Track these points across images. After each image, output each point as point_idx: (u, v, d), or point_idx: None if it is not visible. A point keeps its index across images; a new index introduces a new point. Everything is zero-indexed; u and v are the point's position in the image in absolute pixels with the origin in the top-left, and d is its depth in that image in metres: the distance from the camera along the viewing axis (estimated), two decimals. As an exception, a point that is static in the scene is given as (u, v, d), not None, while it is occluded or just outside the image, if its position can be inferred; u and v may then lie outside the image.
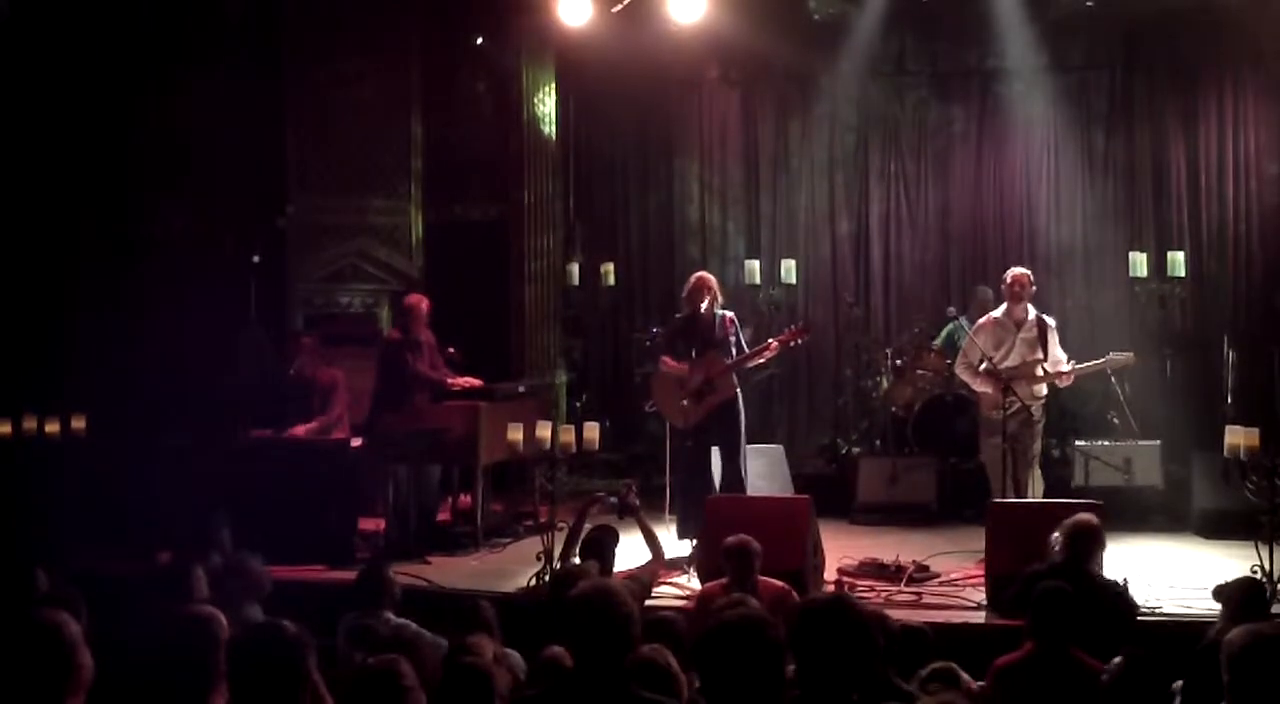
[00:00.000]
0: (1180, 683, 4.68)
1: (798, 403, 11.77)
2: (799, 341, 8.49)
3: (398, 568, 6.97)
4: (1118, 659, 4.45)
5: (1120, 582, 6.07)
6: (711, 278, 8.37)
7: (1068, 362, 8.37)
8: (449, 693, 3.38)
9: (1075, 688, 4.69)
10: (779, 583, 6.06)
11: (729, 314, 8.35)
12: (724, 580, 5.94)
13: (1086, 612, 5.07)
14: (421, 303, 8.91)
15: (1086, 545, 5.90)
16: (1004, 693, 4.76)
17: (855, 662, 3.13)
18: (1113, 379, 9.89)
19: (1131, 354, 8.65)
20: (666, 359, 8.35)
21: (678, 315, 8.49)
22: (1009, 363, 8.25)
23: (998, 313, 8.54)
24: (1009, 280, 8.47)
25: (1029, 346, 8.29)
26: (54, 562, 6.63)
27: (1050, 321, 8.45)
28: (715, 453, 8.24)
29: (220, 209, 10.63)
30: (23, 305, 10.03)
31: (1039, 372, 8.21)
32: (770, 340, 8.40)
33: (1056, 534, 6.00)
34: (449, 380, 8.84)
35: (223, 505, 7.47)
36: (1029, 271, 8.59)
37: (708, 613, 4.80)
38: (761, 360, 8.43)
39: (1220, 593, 5.41)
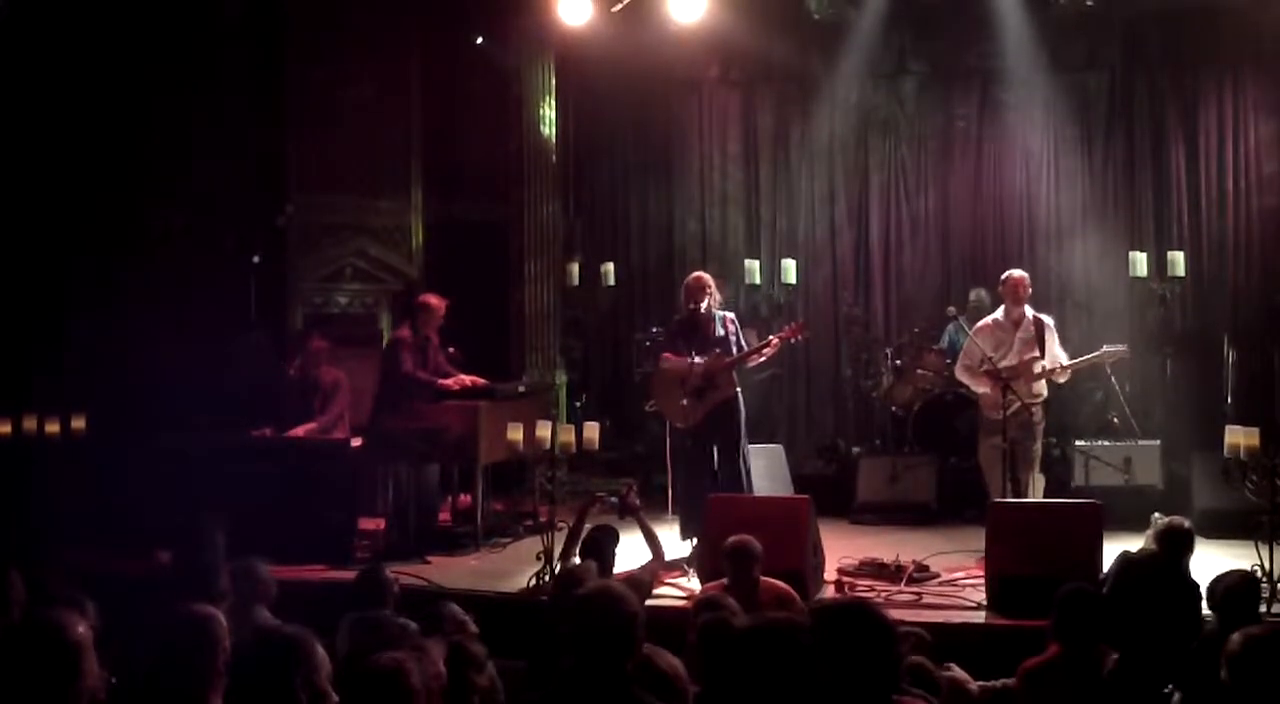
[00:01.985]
0: (1173, 684, 4.70)
1: (798, 403, 11.77)
2: (798, 338, 8.55)
3: (398, 568, 6.98)
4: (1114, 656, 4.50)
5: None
6: (709, 277, 8.35)
7: (1066, 359, 8.41)
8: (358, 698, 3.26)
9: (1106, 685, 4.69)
10: (781, 584, 6.05)
11: (729, 314, 8.36)
12: (724, 581, 5.93)
13: (1173, 607, 5.21)
14: (440, 307, 8.90)
15: (1177, 545, 6.11)
16: (1034, 695, 4.76)
17: (877, 669, 3.13)
18: (1113, 379, 9.90)
19: (1125, 347, 8.69)
20: (668, 356, 8.33)
21: (677, 316, 8.49)
22: (1007, 362, 8.26)
23: (996, 315, 8.56)
24: (1006, 282, 8.49)
25: (1026, 345, 8.30)
26: (54, 562, 6.65)
27: (1049, 321, 8.46)
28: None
29: (220, 209, 10.63)
30: (23, 305, 10.03)
31: (1036, 369, 8.23)
32: (771, 337, 8.41)
33: (1150, 532, 6.71)
34: (440, 383, 8.80)
35: (217, 508, 7.45)
36: (1023, 274, 8.58)
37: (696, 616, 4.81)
38: (762, 358, 8.41)
39: (1211, 591, 5.43)
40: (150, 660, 3.29)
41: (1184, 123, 11.10)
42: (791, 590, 6.10)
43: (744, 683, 3.06)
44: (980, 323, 8.72)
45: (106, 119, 10.34)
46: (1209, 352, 10.53)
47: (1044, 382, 8.34)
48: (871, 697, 3.14)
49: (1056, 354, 8.37)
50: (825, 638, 3.13)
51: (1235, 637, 3.56)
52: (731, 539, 5.95)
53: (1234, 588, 5.20)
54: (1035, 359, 8.25)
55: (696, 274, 8.45)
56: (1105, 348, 8.61)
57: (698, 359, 8.03)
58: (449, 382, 8.82)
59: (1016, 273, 8.58)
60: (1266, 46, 10.69)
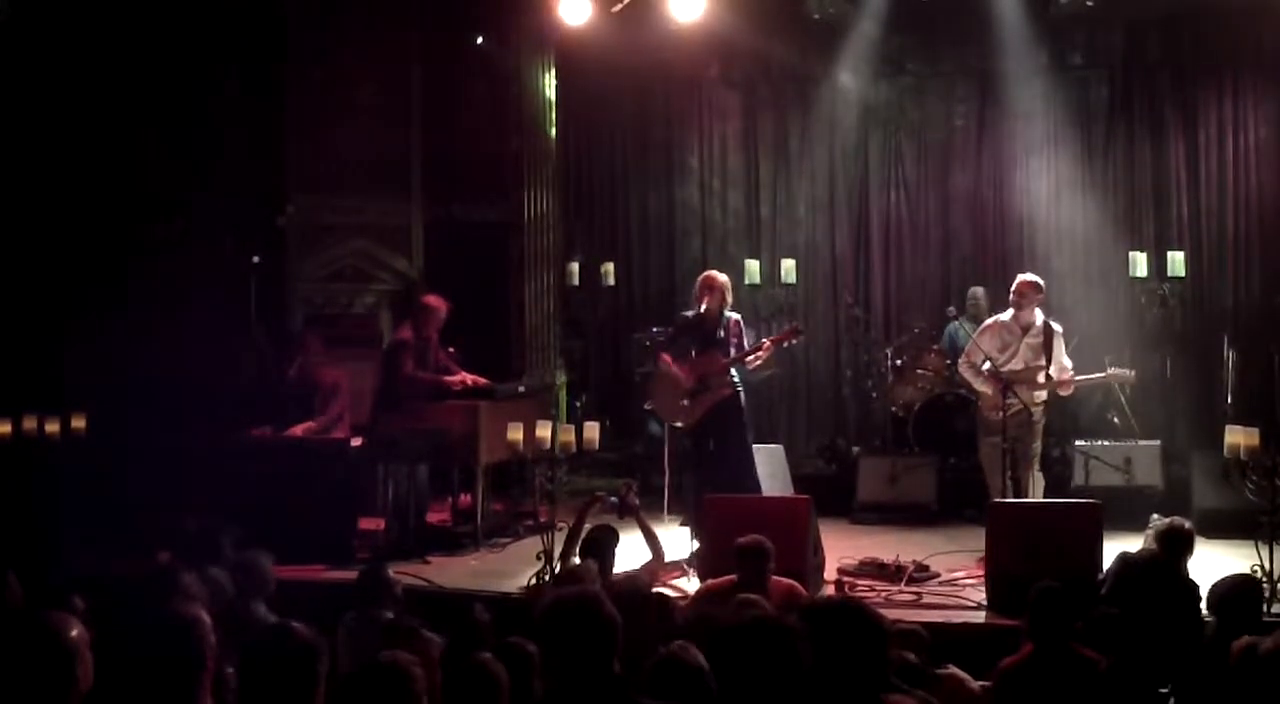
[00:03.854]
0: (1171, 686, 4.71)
1: (798, 403, 11.77)
2: (792, 342, 8.56)
3: (398, 568, 6.98)
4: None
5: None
6: (720, 277, 8.29)
7: (1072, 368, 8.35)
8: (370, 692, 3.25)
9: (1081, 684, 4.69)
10: (786, 581, 6.05)
11: (736, 317, 8.33)
12: (731, 577, 5.91)
13: (1171, 607, 5.24)
14: (442, 308, 8.92)
15: (1177, 546, 6.15)
16: (1009, 695, 4.75)
17: (866, 667, 3.12)
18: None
19: (1132, 372, 8.63)
20: (665, 356, 8.34)
21: (687, 312, 8.47)
22: (1012, 366, 8.20)
23: (1004, 316, 8.45)
24: (1017, 286, 8.35)
25: (1033, 352, 8.21)
26: (54, 562, 6.65)
27: (1057, 328, 8.34)
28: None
29: (220, 209, 10.63)
30: (23, 305, 10.03)
31: (1041, 378, 8.17)
32: (764, 340, 8.41)
33: (1149, 532, 6.70)
34: (446, 380, 8.82)
35: (228, 514, 7.43)
36: (1037, 279, 8.44)
37: (716, 608, 4.79)
38: (757, 361, 8.34)
39: (1211, 596, 5.42)
40: (138, 663, 3.27)
41: (1184, 123, 11.10)
42: (801, 587, 6.10)
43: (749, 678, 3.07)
44: (987, 322, 8.69)
45: (107, 120, 10.34)
46: (1209, 352, 10.52)
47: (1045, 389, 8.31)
48: (861, 695, 3.14)
49: (1063, 362, 8.29)
50: (816, 637, 3.13)
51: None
52: (744, 538, 5.93)
53: (1234, 592, 5.20)
54: (1040, 368, 8.17)
55: (707, 273, 8.44)
56: (1112, 370, 8.56)
57: (695, 358, 8.03)
58: (454, 379, 8.84)
59: (1024, 277, 8.41)
60: (1266, 47, 10.69)
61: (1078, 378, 8.32)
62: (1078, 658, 4.79)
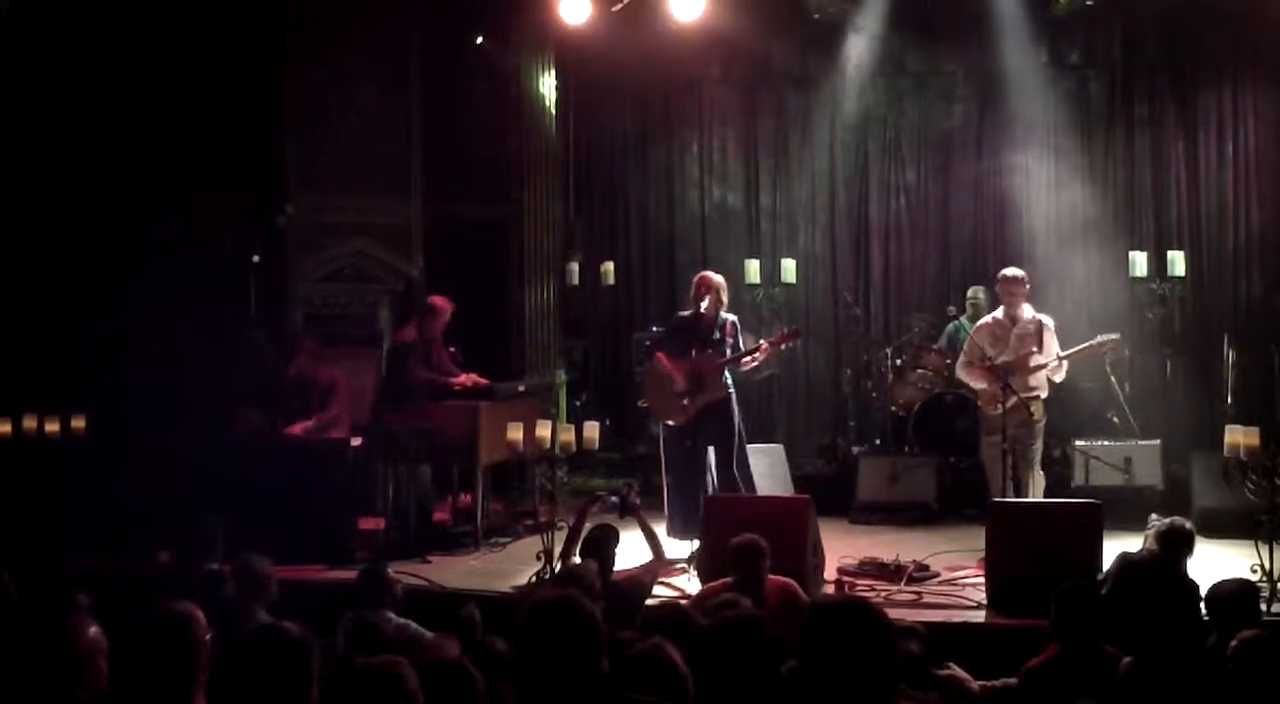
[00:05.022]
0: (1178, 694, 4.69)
1: (797, 403, 11.77)
2: (790, 345, 8.56)
3: (398, 567, 6.98)
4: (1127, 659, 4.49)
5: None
6: (716, 278, 8.35)
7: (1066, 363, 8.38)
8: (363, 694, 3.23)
9: (1111, 684, 4.67)
10: (782, 579, 6.04)
11: (732, 318, 8.35)
12: (728, 580, 5.90)
13: (1171, 609, 5.22)
14: (447, 309, 8.95)
15: (1177, 547, 6.17)
16: (1036, 696, 4.74)
17: (875, 669, 3.10)
18: (1112, 378, 9.91)
19: (1118, 335, 8.68)
20: (660, 355, 8.36)
21: (682, 312, 8.50)
22: (1004, 358, 8.25)
23: (996, 313, 8.54)
24: (1001, 280, 8.47)
25: (1022, 341, 8.28)
26: (53, 562, 6.64)
27: (1048, 321, 8.39)
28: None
29: (220, 209, 10.62)
30: (23, 305, 10.03)
31: (1033, 362, 8.21)
32: (762, 342, 8.41)
33: (1149, 532, 6.68)
34: (452, 381, 8.83)
35: (218, 510, 7.43)
36: (1021, 272, 8.51)
37: (703, 611, 4.79)
38: (754, 363, 8.38)
39: (1210, 600, 5.41)
40: (131, 661, 3.28)
41: (1184, 123, 11.12)
42: (797, 586, 6.09)
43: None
44: (980, 322, 8.73)
45: (107, 119, 10.33)
46: (1209, 352, 10.53)
47: (1042, 377, 8.32)
48: (870, 697, 3.12)
49: (1055, 354, 8.35)
50: (823, 636, 3.11)
51: None
52: (738, 538, 5.92)
53: (1230, 598, 5.19)
54: (1031, 354, 8.23)
55: (702, 273, 8.47)
56: (1100, 337, 8.60)
57: (691, 359, 8.05)
58: (455, 380, 8.85)
59: (1010, 271, 8.53)
60: (1266, 46, 10.70)
61: (1069, 351, 8.33)
62: (1106, 658, 4.77)
